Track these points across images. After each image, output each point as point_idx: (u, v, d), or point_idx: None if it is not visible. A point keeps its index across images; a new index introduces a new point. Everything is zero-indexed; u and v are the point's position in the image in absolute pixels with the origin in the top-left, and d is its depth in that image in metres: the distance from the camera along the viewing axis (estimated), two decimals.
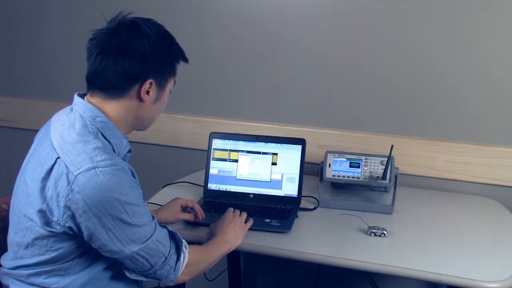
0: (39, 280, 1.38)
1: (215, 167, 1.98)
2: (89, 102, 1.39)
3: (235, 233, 1.63)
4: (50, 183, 1.30)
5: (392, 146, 1.84)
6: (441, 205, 1.97)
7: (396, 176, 1.88)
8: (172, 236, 1.43)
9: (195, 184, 2.07)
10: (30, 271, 1.38)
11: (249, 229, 1.70)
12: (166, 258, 1.38)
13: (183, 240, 1.46)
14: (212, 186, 1.98)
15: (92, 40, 1.38)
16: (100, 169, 1.27)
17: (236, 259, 2.32)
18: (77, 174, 1.27)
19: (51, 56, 2.52)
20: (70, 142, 1.32)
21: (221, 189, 1.97)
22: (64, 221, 1.29)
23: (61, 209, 1.28)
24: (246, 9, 2.21)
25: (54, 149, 1.32)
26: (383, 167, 1.87)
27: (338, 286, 2.36)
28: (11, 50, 2.59)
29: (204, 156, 2.00)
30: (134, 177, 1.36)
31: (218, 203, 1.89)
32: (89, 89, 1.40)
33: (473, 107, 2.04)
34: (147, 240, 1.34)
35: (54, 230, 1.32)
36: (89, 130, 1.35)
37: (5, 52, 2.61)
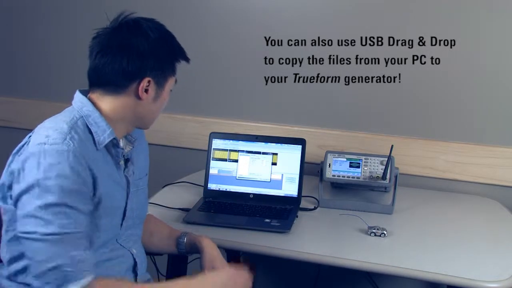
0: (21, 277, 1.32)
1: (215, 167, 1.98)
2: (88, 97, 1.40)
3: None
4: (16, 158, 1.32)
5: (392, 146, 1.84)
6: (441, 205, 1.97)
7: (396, 176, 1.88)
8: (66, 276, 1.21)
9: (195, 184, 2.06)
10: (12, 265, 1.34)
11: (249, 229, 1.70)
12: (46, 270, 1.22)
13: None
14: (212, 186, 1.97)
15: (95, 39, 1.39)
16: (46, 145, 1.26)
17: (236, 259, 2.32)
18: (28, 147, 1.28)
19: (51, 56, 2.52)
20: (45, 126, 1.34)
21: (221, 189, 1.97)
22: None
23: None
24: (246, 9, 2.21)
25: (33, 131, 1.35)
26: (383, 167, 1.87)
27: (338, 286, 2.36)
28: (11, 50, 2.60)
29: (204, 156, 2.00)
30: (88, 165, 1.29)
31: (218, 203, 1.89)
32: (90, 86, 1.42)
33: (473, 107, 2.04)
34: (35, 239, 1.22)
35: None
36: (69, 116, 1.35)
37: (5, 52, 2.61)
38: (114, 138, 1.38)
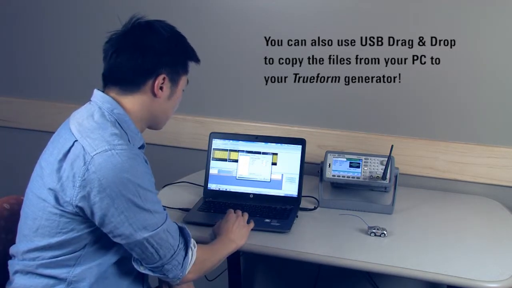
0: (48, 271, 1.38)
1: (215, 167, 1.98)
2: (112, 97, 1.43)
3: (240, 232, 1.64)
4: (66, 164, 1.33)
5: (392, 146, 1.84)
6: (441, 205, 1.97)
7: (396, 176, 1.88)
8: (182, 231, 1.45)
9: (195, 184, 2.07)
10: (39, 262, 1.38)
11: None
12: (175, 252, 1.39)
13: (192, 239, 1.47)
14: (212, 186, 1.98)
15: (108, 42, 1.44)
16: (117, 151, 1.31)
17: (236, 259, 2.32)
18: (94, 155, 1.30)
19: (51, 56, 2.52)
20: (88, 128, 1.36)
21: (221, 189, 1.97)
22: (77, 201, 1.31)
23: (77, 189, 1.30)
24: (246, 9, 2.21)
25: (73, 134, 1.36)
26: (383, 167, 1.87)
27: (338, 286, 2.36)
28: (11, 50, 2.59)
29: (204, 156, 2.00)
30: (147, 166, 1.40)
31: (218, 203, 1.89)
32: (105, 86, 1.45)
33: (473, 107, 2.04)
34: (158, 228, 1.35)
35: (65, 209, 1.33)
36: (107, 119, 1.39)
37: (5, 52, 2.61)
38: (144, 142, 1.47)
